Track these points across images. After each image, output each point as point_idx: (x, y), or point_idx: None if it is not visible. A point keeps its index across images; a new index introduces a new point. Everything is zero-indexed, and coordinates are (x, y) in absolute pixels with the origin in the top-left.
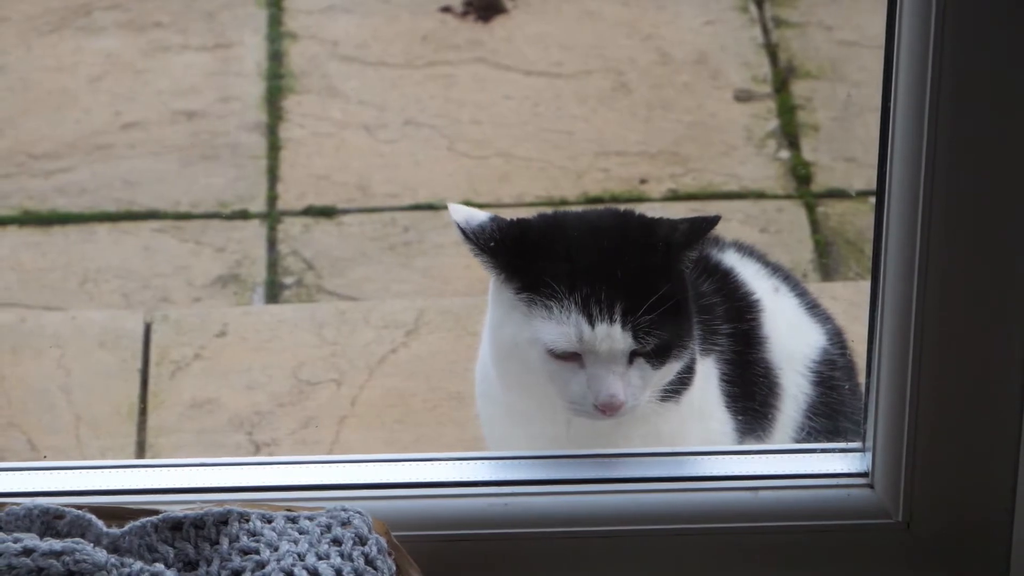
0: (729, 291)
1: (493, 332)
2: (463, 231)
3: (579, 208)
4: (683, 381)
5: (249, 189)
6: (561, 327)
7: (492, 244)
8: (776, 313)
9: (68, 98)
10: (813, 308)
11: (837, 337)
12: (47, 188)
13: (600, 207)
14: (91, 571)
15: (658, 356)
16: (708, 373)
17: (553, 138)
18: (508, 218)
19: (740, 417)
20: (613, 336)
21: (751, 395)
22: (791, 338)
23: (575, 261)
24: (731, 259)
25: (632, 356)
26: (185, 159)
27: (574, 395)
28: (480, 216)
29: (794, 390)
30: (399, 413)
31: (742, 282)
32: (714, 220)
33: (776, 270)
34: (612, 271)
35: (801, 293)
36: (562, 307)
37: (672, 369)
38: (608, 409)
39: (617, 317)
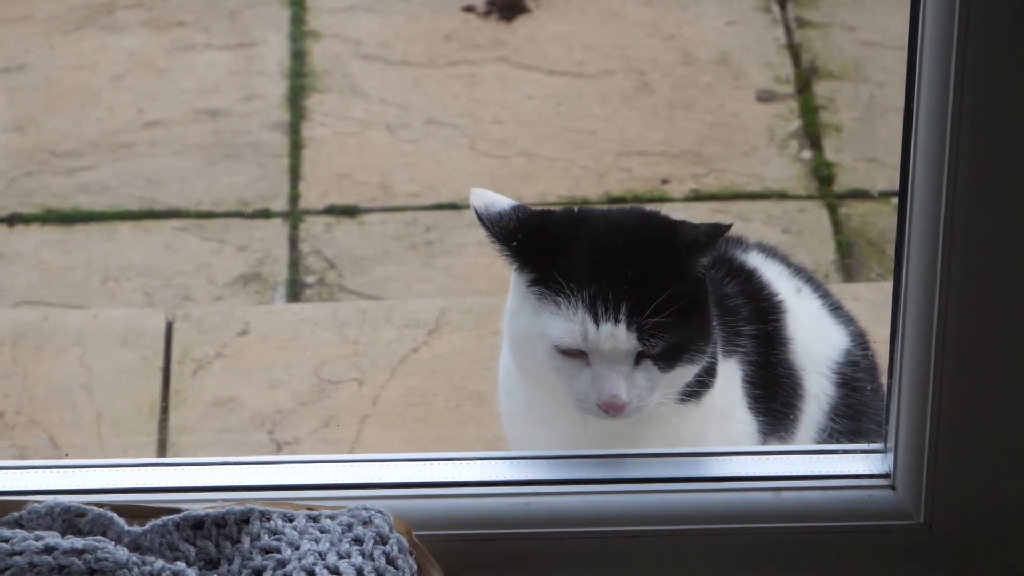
0: (752, 292)
1: (510, 319)
2: (479, 216)
3: (603, 207)
4: (703, 382)
5: (271, 188)
6: (567, 323)
7: (506, 233)
8: (799, 314)
9: (91, 96)
10: (836, 309)
11: (860, 338)
12: (69, 186)
13: (626, 207)
14: (112, 569)
15: (666, 359)
16: (731, 374)
17: (575, 138)
18: (532, 208)
19: (763, 418)
20: (617, 336)
21: (774, 396)
22: (814, 339)
23: (586, 258)
24: (754, 260)
25: (639, 357)
26: (207, 158)
27: (579, 392)
28: (502, 203)
29: (817, 391)
30: (420, 412)
31: (765, 283)
32: (726, 227)
33: (799, 271)
34: (622, 271)
35: (824, 294)
36: (569, 303)
37: (685, 372)
38: (610, 409)
39: (622, 317)
